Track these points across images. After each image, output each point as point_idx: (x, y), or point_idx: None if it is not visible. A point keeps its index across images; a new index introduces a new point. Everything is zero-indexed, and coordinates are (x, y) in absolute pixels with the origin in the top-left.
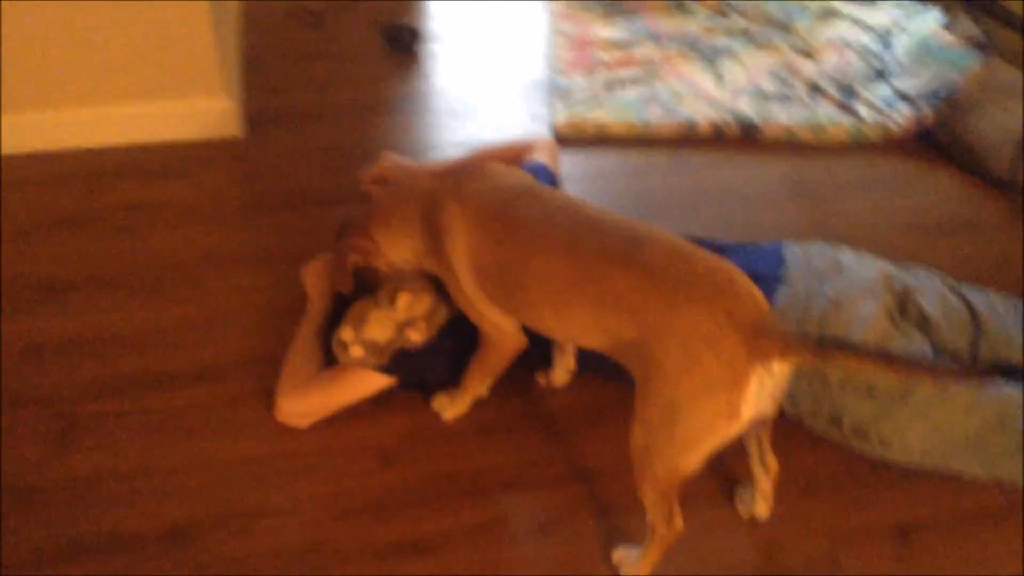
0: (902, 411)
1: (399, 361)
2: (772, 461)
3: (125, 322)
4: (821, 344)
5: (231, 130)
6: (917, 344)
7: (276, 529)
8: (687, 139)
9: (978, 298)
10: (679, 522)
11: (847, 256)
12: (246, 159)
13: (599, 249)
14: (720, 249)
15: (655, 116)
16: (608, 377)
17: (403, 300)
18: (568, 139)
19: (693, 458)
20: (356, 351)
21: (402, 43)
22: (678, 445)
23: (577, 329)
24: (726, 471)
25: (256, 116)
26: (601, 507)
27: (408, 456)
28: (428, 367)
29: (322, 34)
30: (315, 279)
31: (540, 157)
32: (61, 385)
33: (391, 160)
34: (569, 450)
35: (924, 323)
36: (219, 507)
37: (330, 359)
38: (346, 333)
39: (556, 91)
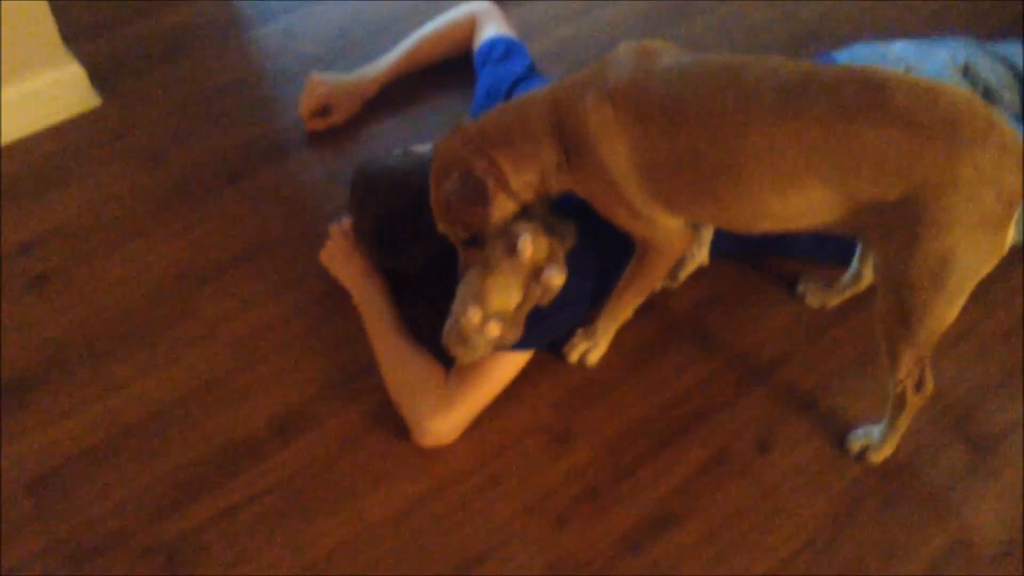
0: None
1: (534, 325)
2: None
3: (135, 402)
4: None
5: (89, 100)
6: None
7: (510, 564)
8: None
9: (1009, 53)
10: (931, 384)
11: (898, 49)
12: (122, 134)
13: (835, 105)
14: None
15: None
16: (740, 258)
17: (527, 245)
18: None
19: (957, 307)
20: (493, 330)
21: None
22: (948, 297)
23: (808, 207)
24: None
25: (96, 75)
26: (802, 400)
27: (582, 425)
28: (566, 319)
29: None
30: (346, 262)
31: (493, 29)
32: (116, 511)
33: (324, 82)
34: (731, 349)
35: (988, 93)
36: (436, 569)
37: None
38: (473, 315)
39: None
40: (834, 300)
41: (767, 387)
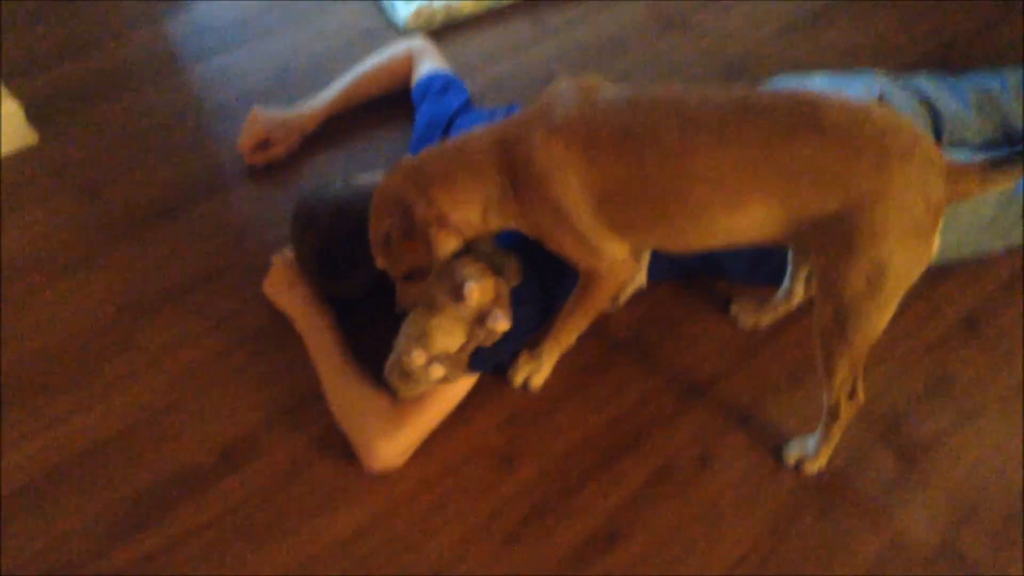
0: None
1: (477, 353)
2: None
3: (78, 435)
4: (999, 163)
5: (26, 137)
6: None
7: None
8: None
9: (919, 85)
10: (863, 393)
11: (818, 81)
12: (60, 171)
13: (773, 124)
14: None
15: None
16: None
17: (473, 292)
18: (418, 33)
19: (889, 313)
20: (437, 371)
21: None
22: (883, 303)
23: (754, 222)
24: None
25: (33, 112)
26: (739, 415)
27: (527, 446)
28: (511, 343)
29: None
30: (289, 292)
31: (430, 65)
32: (61, 543)
33: (264, 117)
34: (670, 368)
35: None
36: None
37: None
38: (417, 357)
39: None
40: (766, 319)
41: (706, 403)
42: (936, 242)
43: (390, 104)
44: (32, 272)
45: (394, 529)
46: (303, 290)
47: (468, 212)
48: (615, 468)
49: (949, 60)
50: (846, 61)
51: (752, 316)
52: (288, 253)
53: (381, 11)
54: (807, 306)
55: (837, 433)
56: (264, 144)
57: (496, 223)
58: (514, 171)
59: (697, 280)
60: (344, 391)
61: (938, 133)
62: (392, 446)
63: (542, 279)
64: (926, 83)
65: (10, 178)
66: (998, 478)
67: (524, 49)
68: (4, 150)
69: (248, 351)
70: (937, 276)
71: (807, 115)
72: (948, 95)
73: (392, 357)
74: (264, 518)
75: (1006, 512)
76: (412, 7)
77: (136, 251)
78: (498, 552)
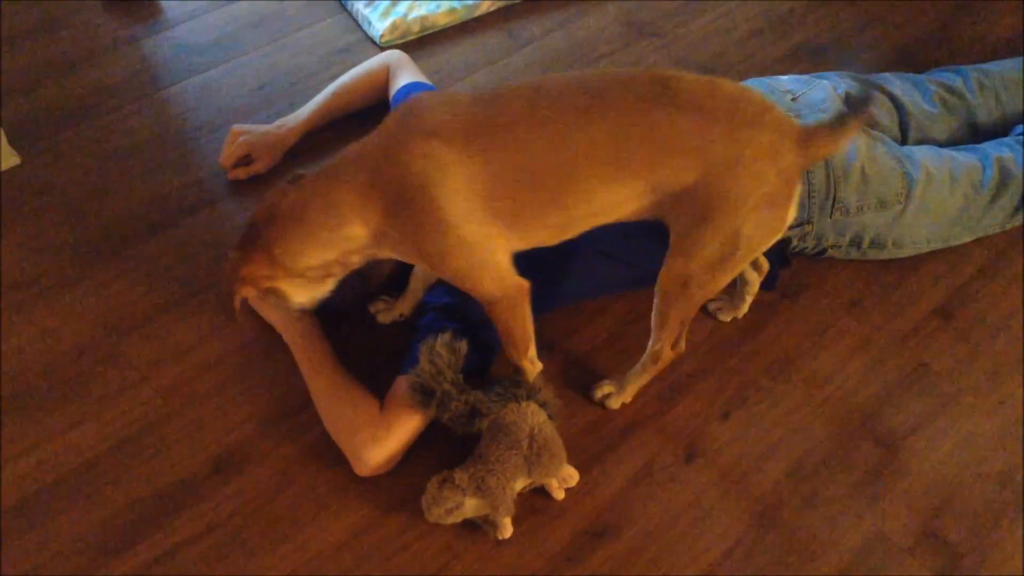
0: (908, 211)
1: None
2: (764, 260)
3: (69, 452)
4: (847, 121)
5: (8, 159)
6: (882, 143)
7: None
8: (506, 10)
9: (885, 82)
10: (683, 344)
11: (785, 80)
12: (43, 191)
13: (634, 98)
14: None
15: None
16: None
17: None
18: (395, 46)
19: (734, 274)
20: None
21: None
22: (731, 268)
23: (628, 194)
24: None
25: (14, 134)
26: (722, 409)
27: None
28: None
29: (17, 4)
30: (276, 304)
31: (408, 76)
32: (57, 559)
33: (245, 132)
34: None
35: (869, 119)
36: None
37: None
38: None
39: None
40: (743, 309)
41: (689, 399)
42: (793, 211)
43: (369, 116)
44: (19, 291)
45: (387, 532)
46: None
47: (319, 255)
48: (601, 465)
49: (912, 60)
50: (813, 63)
51: (731, 310)
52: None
53: (357, 26)
54: (778, 304)
55: (649, 375)
56: (246, 160)
57: (360, 259)
58: (389, 193)
59: None
60: (332, 400)
61: (904, 130)
62: (381, 452)
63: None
64: (891, 81)
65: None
66: (976, 464)
67: (499, 59)
68: None
69: (237, 363)
70: (910, 267)
71: (662, 89)
72: (913, 92)
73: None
74: (258, 526)
75: (985, 497)
76: (388, 21)
77: (122, 268)
78: (490, 552)
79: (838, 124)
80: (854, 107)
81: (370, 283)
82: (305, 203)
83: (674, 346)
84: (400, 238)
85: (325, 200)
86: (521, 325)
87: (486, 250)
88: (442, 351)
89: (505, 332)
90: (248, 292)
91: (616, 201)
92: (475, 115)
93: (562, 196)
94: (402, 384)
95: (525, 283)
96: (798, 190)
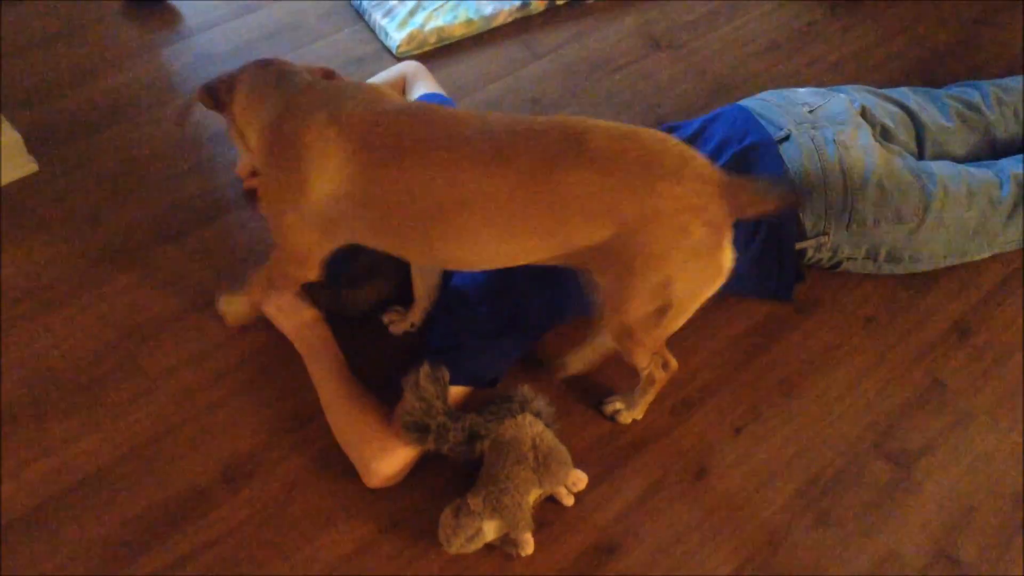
0: (925, 225)
1: (466, 363)
2: (671, 359)
3: (82, 458)
4: (782, 187)
5: (26, 167)
6: (900, 157)
7: None
8: (523, 21)
9: (902, 97)
10: (674, 362)
11: (802, 93)
12: (61, 199)
13: (540, 152)
14: (677, 128)
15: (488, 8)
16: None
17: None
18: (412, 57)
19: (684, 321)
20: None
21: None
22: (673, 316)
23: (528, 246)
24: None
25: (33, 142)
26: (733, 426)
27: None
28: (500, 361)
29: (35, 11)
30: (289, 314)
31: (424, 86)
32: (67, 566)
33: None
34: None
35: (886, 134)
36: None
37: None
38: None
39: (368, 9)
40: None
41: (700, 414)
42: (728, 256)
43: None
44: (33, 298)
45: (396, 545)
46: (304, 312)
47: (245, 126)
48: (612, 480)
49: (930, 74)
50: (830, 76)
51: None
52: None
53: (374, 36)
54: (792, 319)
55: (654, 393)
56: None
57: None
58: (276, 135)
59: None
60: (343, 411)
61: (922, 145)
62: (390, 463)
63: (520, 301)
64: (908, 96)
65: (11, 207)
66: (991, 483)
67: (515, 71)
68: (5, 179)
69: (249, 372)
70: (926, 283)
71: (573, 144)
72: (930, 107)
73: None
74: (267, 536)
75: (1000, 517)
76: (405, 32)
77: (137, 276)
78: (499, 566)
79: (769, 188)
80: (791, 185)
81: (381, 292)
82: (251, 92)
83: (665, 368)
84: (264, 168)
85: (259, 100)
86: (276, 270)
87: (297, 230)
88: (427, 385)
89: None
90: (201, 99)
91: (509, 254)
92: (389, 125)
93: (433, 236)
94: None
95: (309, 279)
96: (729, 237)
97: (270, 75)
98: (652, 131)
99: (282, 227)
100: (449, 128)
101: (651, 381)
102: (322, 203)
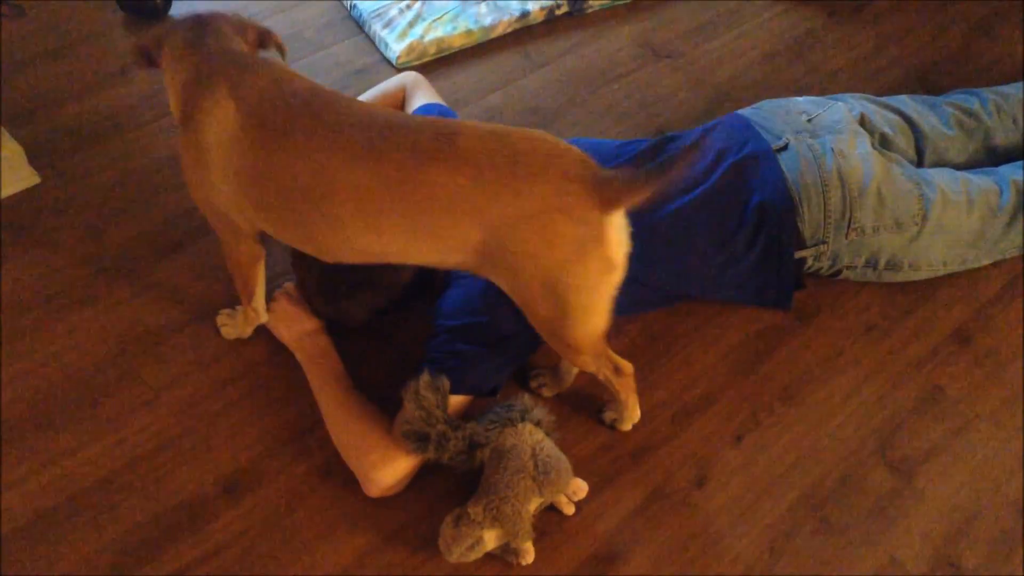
0: (924, 232)
1: (469, 371)
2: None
3: (83, 469)
4: (649, 175)
5: (28, 178)
6: (898, 164)
7: None
8: (522, 32)
9: (901, 104)
10: (627, 365)
11: (801, 102)
12: (62, 210)
13: (410, 148)
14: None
15: (487, 18)
16: (668, 305)
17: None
18: (411, 67)
19: (598, 319)
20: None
21: (150, 6)
22: (578, 315)
23: (400, 243)
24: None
25: (34, 153)
26: (734, 434)
27: None
28: (503, 367)
29: (36, 26)
30: (289, 325)
31: (424, 97)
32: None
33: None
34: (663, 389)
35: (885, 141)
36: None
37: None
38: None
39: (368, 20)
40: (567, 382)
41: (701, 423)
42: (616, 249)
43: None
44: (34, 309)
45: (396, 554)
46: (304, 323)
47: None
48: (613, 489)
49: (929, 82)
50: (828, 84)
51: (554, 385)
52: (289, 286)
53: (374, 47)
54: (792, 327)
55: (627, 396)
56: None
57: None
58: (186, 93)
59: (685, 303)
60: (343, 420)
61: (921, 153)
62: (391, 473)
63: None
64: (907, 104)
65: (13, 218)
66: (992, 490)
67: (514, 81)
68: (7, 191)
69: (250, 383)
70: (926, 291)
71: (444, 143)
72: (929, 115)
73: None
74: (268, 547)
75: (1001, 524)
76: (405, 43)
77: (138, 287)
78: (501, 574)
79: (636, 174)
80: (659, 166)
81: (379, 301)
82: (176, 50)
83: (618, 373)
84: (183, 126)
85: (178, 58)
86: (238, 276)
87: (220, 210)
88: (427, 393)
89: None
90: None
91: (393, 250)
92: (284, 105)
93: (311, 223)
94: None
95: (255, 254)
96: (613, 230)
97: (191, 35)
98: (526, 131)
99: (194, 192)
100: (334, 116)
101: (610, 385)
102: (219, 174)
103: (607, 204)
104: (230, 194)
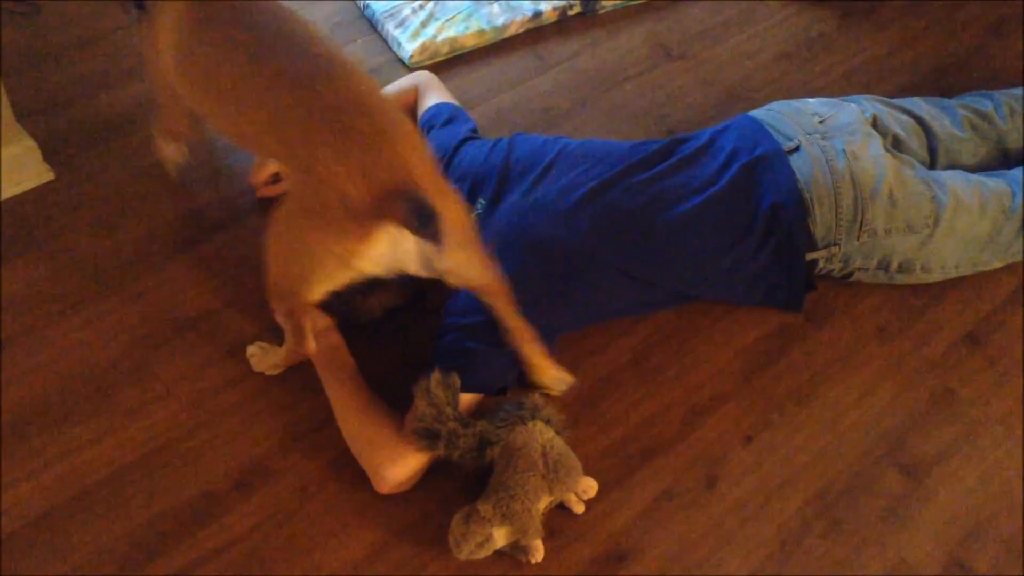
0: (936, 234)
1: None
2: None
3: (94, 463)
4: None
5: (42, 175)
6: (910, 166)
7: None
8: (535, 32)
9: (913, 106)
10: (311, 347)
11: (812, 103)
12: (76, 206)
13: (287, 64)
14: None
15: (500, 18)
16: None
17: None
18: (424, 67)
19: (308, 290)
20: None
21: None
22: (296, 274)
23: (252, 137)
24: None
25: (49, 150)
26: (744, 434)
27: None
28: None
29: (51, 23)
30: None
31: (436, 96)
32: (77, 572)
33: None
34: (674, 390)
35: (898, 143)
36: None
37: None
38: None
39: (381, 20)
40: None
41: (712, 423)
42: (376, 251)
43: None
44: (49, 305)
45: (406, 550)
46: (316, 319)
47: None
48: (623, 488)
49: (942, 84)
50: (840, 86)
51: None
52: None
53: (387, 47)
54: (803, 329)
55: (284, 360)
56: (275, 178)
57: None
58: None
59: (696, 303)
60: (354, 416)
61: (933, 155)
62: (402, 470)
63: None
64: (920, 106)
65: (27, 214)
66: (1003, 494)
67: (526, 81)
68: (21, 187)
69: (261, 379)
70: (938, 293)
71: (318, 77)
72: (942, 117)
73: (462, 528)
74: (278, 542)
75: (1012, 527)
76: (417, 42)
77: (151, 283)
78: (510, 572)
79: (417, 218)
80: (426, 224)
81: (392, 299)
82: None
83: (300, 344)
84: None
85: None
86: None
87: (166, 96)
88: (438, 391)
89: None
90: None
91: (248, 136)
92: (234, 7)
93: (214, 100)
94: None
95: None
96: (385, 239)
97: None
98: (397, 112)
99: (149, 71)
100: (253, 19)
101: (286, 341)
102: (165, 55)
103: (384, 215)
104: (171, 74)
